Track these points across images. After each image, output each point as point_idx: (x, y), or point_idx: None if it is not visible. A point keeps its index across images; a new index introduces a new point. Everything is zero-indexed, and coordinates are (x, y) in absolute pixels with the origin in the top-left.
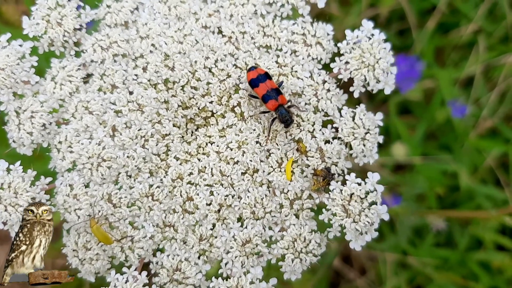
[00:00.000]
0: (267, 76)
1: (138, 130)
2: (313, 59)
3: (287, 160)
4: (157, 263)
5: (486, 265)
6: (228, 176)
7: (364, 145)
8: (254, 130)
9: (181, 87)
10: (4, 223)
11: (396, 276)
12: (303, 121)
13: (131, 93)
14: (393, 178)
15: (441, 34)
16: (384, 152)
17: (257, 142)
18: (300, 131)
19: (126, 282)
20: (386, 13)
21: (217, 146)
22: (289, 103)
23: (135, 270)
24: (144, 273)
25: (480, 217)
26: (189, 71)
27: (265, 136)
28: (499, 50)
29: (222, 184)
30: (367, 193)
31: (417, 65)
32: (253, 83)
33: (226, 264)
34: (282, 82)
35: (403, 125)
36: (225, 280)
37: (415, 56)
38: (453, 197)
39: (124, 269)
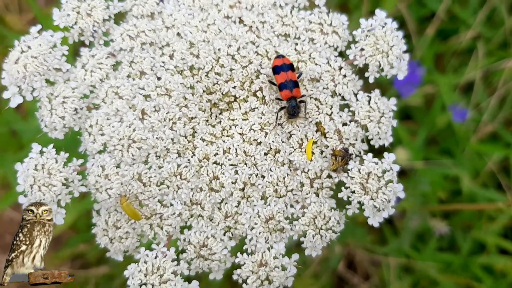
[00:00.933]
0: (291, 67)
1: (166, 113)
2: (329, 46)
3: (307, 141)
4: (184, 240)
5: (489, 269)
6: (251, 156)
7: (379, 128)
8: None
9: (205, 73)
10: None
11: (399, 280)
12: (321, 104)
13: (159, 78)
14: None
15: (441, 41)
16: None
17: (278, 124)
18: (319, 114)
19: (155, 258)
20: None
21: (241, 128)
22: (302, 98)
23: (164, 246)
24: (173, 249)
25: (487, 209)
26: (213, 58)
27: (273, 123)
28: (498, 56)
29: (246, 164)
30: (383, 172)
31: (417, 70)
32: (276, 70)
33: (250, 240)
34: (301, 73)
35: (404, 131)
36: (249, 255)
37: (416, 61)
38: (455, 201)
39: (153, 246)
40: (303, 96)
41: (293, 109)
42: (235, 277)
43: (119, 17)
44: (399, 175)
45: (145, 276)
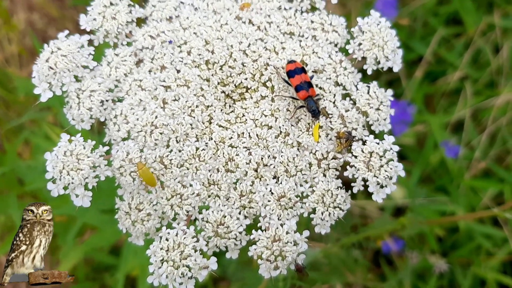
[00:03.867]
0: (303, 70)
1: (186, 101)
2: (330, 43)
3: (314, 125)
4: (202, 219)
5: None
6: (263, 139)
7: (378, 114)
8: (285, 99)
9: (220, 67)
10: (66, 188)
11: None
12: (325, 92)
13: (178, 71)
14: (393, 223)
15: (429, 83)
16: None
17: (287, 109)
18: (324, 101)
19: (176, 235)
20: None
21: (253, 114)
22: (317, 96)
23: (184, 226)
24: (192, 227)
25: (484, 215)
26: (227, 54)
27: (290, 116)
28: (486, 95)
29: (258, 146)
30: (384, 151)
31: (408, 109)
32: (290, 74)
33: (264, 217)
34: (313, 76)
35: None
36: (263, 231)
37: (406, 101)
38: (453, 238)
39: (174, 225)
40: (317, 95)
41: (312, 106)
42: (250, 253)
43: (140, 23)
44: (395, 213)
45: (167, 253)
